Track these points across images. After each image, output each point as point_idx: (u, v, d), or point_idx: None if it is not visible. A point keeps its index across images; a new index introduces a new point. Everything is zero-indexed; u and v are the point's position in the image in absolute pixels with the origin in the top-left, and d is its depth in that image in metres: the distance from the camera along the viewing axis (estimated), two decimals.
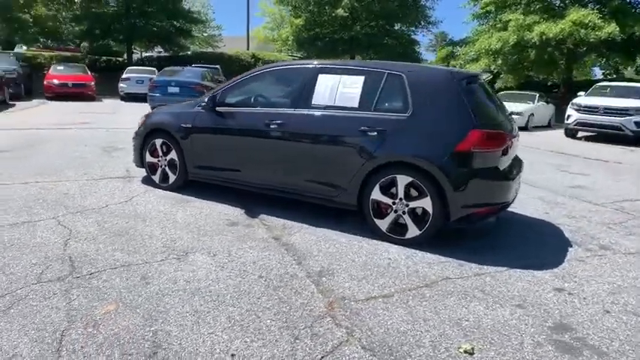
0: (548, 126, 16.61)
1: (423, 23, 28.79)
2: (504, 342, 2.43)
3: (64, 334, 2.31)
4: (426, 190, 3.60)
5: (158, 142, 5.06)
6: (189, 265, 3.21)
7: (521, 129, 9.67)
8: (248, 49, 32.10)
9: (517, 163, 4.23)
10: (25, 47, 26.09)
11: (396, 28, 28.33)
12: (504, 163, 3.75)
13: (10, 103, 14.97)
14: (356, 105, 3.97)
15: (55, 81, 17.69)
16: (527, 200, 5.32)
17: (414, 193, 3.67)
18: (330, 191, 4.07)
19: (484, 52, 20.03)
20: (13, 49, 23.79)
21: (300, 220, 4.25)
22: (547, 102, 16.83)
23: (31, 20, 25.51)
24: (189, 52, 29.16)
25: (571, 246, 4.02)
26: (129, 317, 2.49)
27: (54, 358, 2.12)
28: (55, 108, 14.81)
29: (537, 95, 16.29)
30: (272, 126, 4.27)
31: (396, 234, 3.80)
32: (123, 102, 18.21)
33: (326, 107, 4.10)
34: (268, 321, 2.52)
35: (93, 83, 18.62)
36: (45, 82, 17.78)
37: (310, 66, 4.41)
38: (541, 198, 5.65)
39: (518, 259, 3.58)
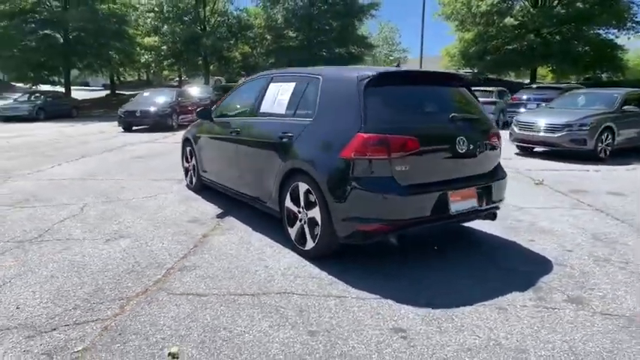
0: None
1: (629, 24, 23.49)
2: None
3: None
4: (316, 199, 3.35)
5: (187, 149, 5.92)
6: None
7: None
8: (421, 68, 32.14)
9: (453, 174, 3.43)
10: (222, 79, 32.01)
11: (591, 31, 23.90)
12: (407, 173, 3.14)
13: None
14: (283, 111, 3.95)
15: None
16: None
17: (310, 202, 3.44)
18: (264, 197, 4.11)
19: None
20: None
21: (256, 223, 4.39)
22: None
23: (239, 58, 31.40)
24: None
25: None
26: None
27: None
28: None
29: None
30: (232, 134, 4.58)
31: (299, 244, 3.61)
32: None
33: (265, 115, 4.19)
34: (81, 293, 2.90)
35: None
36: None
37: (266, 75, 4.55)
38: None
39: (402, 291, 2.98)
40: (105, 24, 24.56)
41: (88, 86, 42.12)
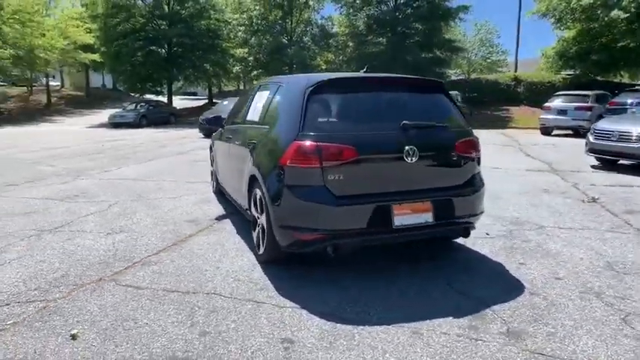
0: None
1: None
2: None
3: None
4: (264, 205, 3.41)
5: (210, 154, 6.33)
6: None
7: None
8: (516, 71, 29.88)
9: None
10: None
11: None
12: (343, 183, 3.04)
13: None
14: (257, 119, 4.07)
15: None
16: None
17: (262, 208, 3.52)
18: (245, 205, 4.20)
19: None
20: None
21: (246, 228, 4.50)
22: None
23: (323, 66, 32.20)
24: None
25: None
26: None
27: None
28: None
29: None
30: (228, 141, 4.83)
31: (257, 248, 3.70)
32: None
33: (247, 122, 4.36)
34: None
35: None
36: None
37: (256, 83, 4.71)
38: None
39: (328, 303, 2.94)
40: (201, 39, 27.00)
41: (196, 95, 46.38)
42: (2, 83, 34.45)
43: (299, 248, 3.25)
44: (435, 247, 4.04)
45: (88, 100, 37.78)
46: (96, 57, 28.81)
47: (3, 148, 12.77)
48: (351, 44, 29.10)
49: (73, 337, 2.49)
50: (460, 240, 4.11)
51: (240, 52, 30.25)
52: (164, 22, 28.19)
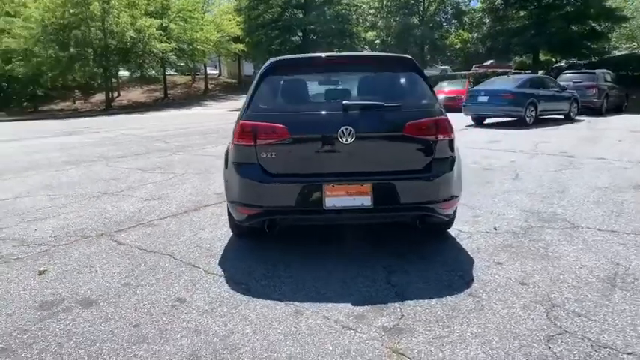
0: None
1: None
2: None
3: None
4: None
5: None
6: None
7: None
8: None
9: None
10: (447, 67, 31.17)
11: None
12: (275, 161, 3.09)
13: None
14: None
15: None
16: None
17: None
18: None
19: None
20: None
21: None
22: None
23: (459, 44, 30.28)
24: (594, 58, 24.83)
25: None
26: None
27: None
28: None
29: None
30: None
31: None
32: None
33: None
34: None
35: (464, 96, 20.57)
36: None
37: None
38: None
39: (256, 276, 3.10)
40: (330, 25, 27.90)
41: None
42: (173, 73, 40.96)
43: (249, 223, 3.41)
44: (417, 236, 3.78)
45: (239, 86, 42.52)
46: (242, 47, 32.11)
47: (143, 128, 15.40)
48: (487, 20, 26.67)
49: (40, 273, 3.16)
50: (457, 232, 3.81)
51: (371, 35, 30.39)
52: (300, 11, 29.89)
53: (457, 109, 14.06)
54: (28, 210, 4.86)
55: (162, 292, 2.85)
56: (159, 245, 3.70)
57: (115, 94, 32.64)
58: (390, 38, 28.18)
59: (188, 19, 32.16)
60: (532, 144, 9.12)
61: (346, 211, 3.10)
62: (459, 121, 14.11)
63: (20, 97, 28.69)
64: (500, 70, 22.45)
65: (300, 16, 29.06)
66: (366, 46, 30.29)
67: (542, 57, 26.59)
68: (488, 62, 27.62)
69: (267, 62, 3.42)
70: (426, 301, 2.70)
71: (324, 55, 3.35)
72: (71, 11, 23.80)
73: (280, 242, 3.70)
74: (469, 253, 3.46)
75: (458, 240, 3.74)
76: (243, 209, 3.29)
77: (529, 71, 22.25)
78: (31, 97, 28.48)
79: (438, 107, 3.27)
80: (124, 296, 2.81)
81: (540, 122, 13.03)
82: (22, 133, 14.57)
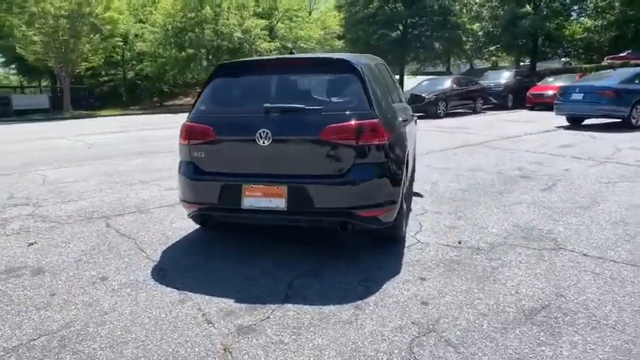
0: None
1: None
2: None
3: None
4: None
5: None
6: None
7: None
8: None
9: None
10: (568, 60, 27.55)
11: None
12: (204, 160, 3.30)
13: (481, 111, 18.26)
14: None
15: (534, 92, 18.95)
16: None
17: None
18: None
19: None
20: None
21: None
22: None
23: (580, 34, 26.69)
24: None
25: None
26: None
27: None
28: (503, 116, 16.64)
29: None
30: None
31: None
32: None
33: None
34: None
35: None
36: (527, 94, 19.44)
37: None
38: None
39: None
40: (431, 17, 26.80)
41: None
42: None
43: (191, 217, 3.67)
44: (361, 242, 3.68)
45: None
46: (341, 44, 32.62)
47: None
48: (617, 4, 22.98)
49: (30, 244, 3.85)
50: (415, 241, 3.69)
51: (477, 26, 28.45)
52: (400, 4, 29.24)
53: None
54: (72, 192, 5.80)
55: (95, 270, 3.28)
56: (134, 230, 4.18)
57: None
58: (495, 29, 25.93)
59: (294, 18, 33.67)
60: (613, 151, 7.85)
61: (262, 212, 3.19)
62: (551, 121, 12.69)
63: (150, 93, 33.08)
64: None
65: (402, 9, 28.39)
66: (470, 38, 28.40)
67: None
68: (625, 53, 23.91)
69: (216, 67, 3.64)
70: (305, 307, 2.69)
71: (265, 58, 3.46)
72: (188, 15, 26.66)
73: (230, 238, 3.91)
74: (402, 265, 3.27)
75: (406, 250, 3.54)
76: (183, 204, 3.57)
77: None
78: (158, 93, 32.65)
79: (368, 111, 3.14)
80: (67, 270, 3.30)
81: None
82: (129, 125, 16.93)
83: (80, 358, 2.24)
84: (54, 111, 25.07)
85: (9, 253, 3.67)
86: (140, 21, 30.02)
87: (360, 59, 3.62)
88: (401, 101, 5.49)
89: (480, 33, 27.42)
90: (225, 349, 2.29)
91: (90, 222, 4.48)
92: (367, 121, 3.10)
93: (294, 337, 2.38)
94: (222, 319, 2.58)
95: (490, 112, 18.15)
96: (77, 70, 26.94)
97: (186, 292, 2.92)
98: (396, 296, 2.80)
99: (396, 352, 2.23)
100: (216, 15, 26.92)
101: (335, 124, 3.06)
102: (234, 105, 3.44)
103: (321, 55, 3.75)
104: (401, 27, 29.05)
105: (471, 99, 18.33)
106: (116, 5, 25.11)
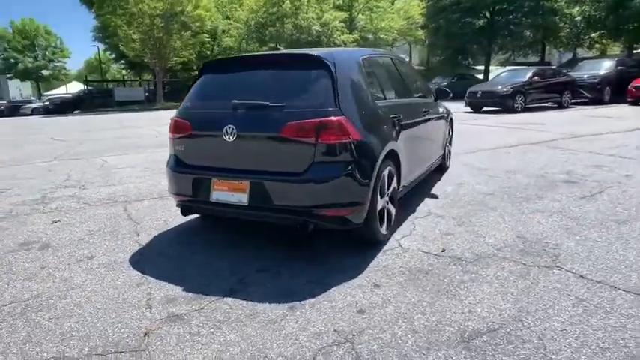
0: None
1: None
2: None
3: None
4: None
5: None
6: None
7: None
8: None
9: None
10: None
11: None
12: (184, 153, 3.49)
13: (569, 106, 16.53)
14: None
15: (637, 84, 16.59)
16: None
17: None
18: None
19: None
20: None
21: None
22: None
23: None
24: None
25: None
26: None
27: None
28: (597, 111, 14.86)
29: None
30: None
31: None
32: None
33: None
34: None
35: None
36: (629, 87, 17.09)
37: None
38: None
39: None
40: (522, 2, 24.66)
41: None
42: None
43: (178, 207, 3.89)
44: (336, 242, 3.60)
45: (426, 73, 41.79)
46: (421, 34, 31.47)
47: None
48: None
49: (53, 222, 4.36)
50: (396, 245, 3.56)
51: (577, 10, 25.57)
52: None
53: None
54: (116, 177, 6.42)
55: (88, 250, 3.63)
56: (141, 215, 4.53)
57: None
58: (599, 13, 22.97)
59: (374, 9, 33.17)
60: None
61: (227, 206, 3.28)
62: None
63: None
64: None
65: None
66: (567, 24, 25.57)
67: None
68: None
69: (203, 64, 3.79)
70: (242, 302, 2.72)
71: (247, 55, 3.51)
72: (269, 11, 27.60)
73: (222, 229, 4.07)
74: (366, 269, 3.14)
75: (381, 254, 3.39)
76: (170, 195, 3.79)
77: None
78: None
79: (333, 108, 3.05)
80: (67, 247, 3.70)
81: None
82: None
83: (28, 325, 2.53)
84: (148, 103, 27.73)
85: (33, 229, 4.21)
86: (227, 17, 31.77)
87: (342, 54, 3.52)
88: (424, 97, 5.22)
89: (578, 18, 24.56)
90: (145, 334, 2.42)
91: (112, 205, 4.95)
92: (329, 118, 3.01)
93: (212, 330, 2.44)
94: (162, 305, 2.72)
95: (580, 107, 16.38)
96: (170, 65, 29.35)
97: (147, 276, 3.11)
98: (336, 301, 2.72)
99: (298, 358, 2.18)
100: (296, 9, 27.52)
101: (294, 122, 3.03)
102: (210, 101, 3.56)
103: (298, 52, 3.69)
104: (488, 14, 27.16)
105: (557, 92, 16.63)
106: (204, 3, 26.84)
